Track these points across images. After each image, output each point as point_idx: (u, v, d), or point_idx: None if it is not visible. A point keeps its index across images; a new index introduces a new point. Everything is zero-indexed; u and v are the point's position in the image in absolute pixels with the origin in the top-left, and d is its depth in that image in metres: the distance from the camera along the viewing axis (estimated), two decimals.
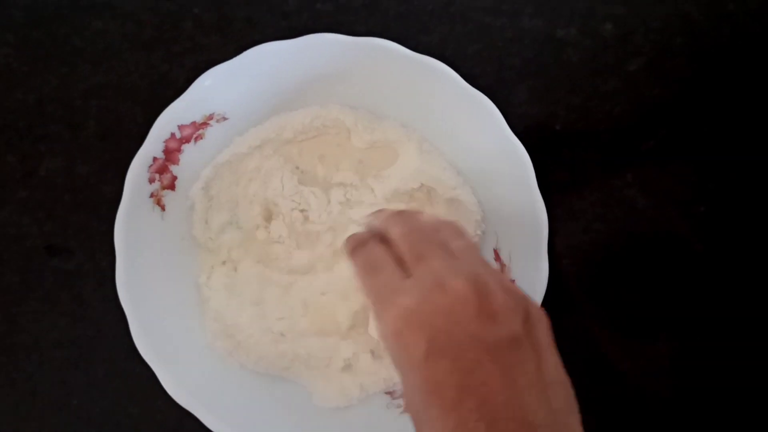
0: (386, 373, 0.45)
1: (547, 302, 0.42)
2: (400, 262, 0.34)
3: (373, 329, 0.40)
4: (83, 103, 0.50)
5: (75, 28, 0.51)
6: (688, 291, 0.50)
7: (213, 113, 0.44)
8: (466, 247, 0.34)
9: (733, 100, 0.50)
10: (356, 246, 0.36)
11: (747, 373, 0.49)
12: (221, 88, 0.43)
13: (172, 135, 0.43)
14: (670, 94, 0.50)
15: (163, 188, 0.44)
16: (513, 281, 0.44)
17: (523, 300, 0.32)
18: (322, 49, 0.43)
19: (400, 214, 0.37)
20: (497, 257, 0.45)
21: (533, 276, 0.42)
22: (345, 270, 0.46)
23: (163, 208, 0.45)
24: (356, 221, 0.43)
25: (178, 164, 0.44)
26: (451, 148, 0.47)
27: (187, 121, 0.43)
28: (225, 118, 0.45)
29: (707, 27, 0.50)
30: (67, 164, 0.50)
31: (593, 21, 0.50)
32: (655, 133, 0.50)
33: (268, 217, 0.47)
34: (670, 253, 0.49)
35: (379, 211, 0.38)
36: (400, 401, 0.45)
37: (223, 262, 0.47)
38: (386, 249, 0.35)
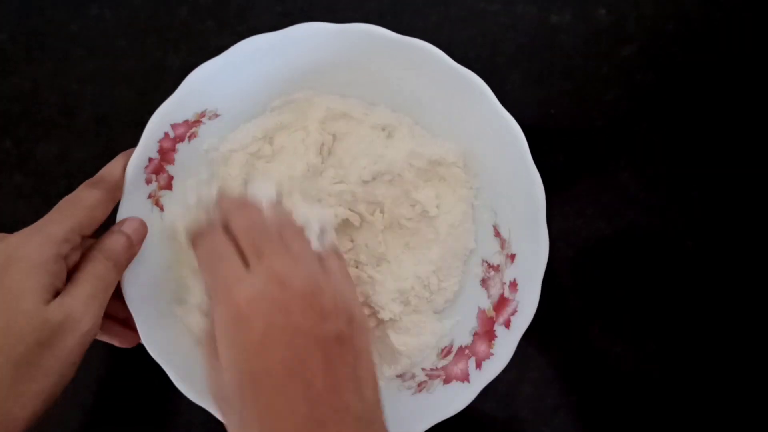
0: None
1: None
2: (241, 253, 0.36)
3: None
4: (78, 89, 0.50)
5: (70, 14, 0.51)
6: (679, 281, 0.50)
7: (205, 110, 0.44)
8: (304, 249, 0.38)
9: (726, 85, 0.50)
10: (198, 235, 0.39)
11: (740, 371, 0.49)
12: (211, 85, 0.43)
13: (166, 135, 0.43)
14: (663, 79, 0.50)
15: (161, 188, 0.44)
16: (513, 256, 0.44)
17: (350, 305, 0.36)
18: (309, 39, 0.43)
19: (242, 207, 0.39)
20: (497, 233, 0.45)
21: (534, 248, 0.42)
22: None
23: (161, 209, 0.45)
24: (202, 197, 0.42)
25: (173, 164, 0.45)
26: (443, 128, 0.46)
27: (179, 119, 0.43)
28: (217, 115, 0.45)
29: (700, 13, 0.50)
30: (63, 150, 0.50)
31: (587, 7, 0.50)
32: (647, 118, 0.50)
33: None
34: (662, 242, 0.50)
35: (220, 196, 0.40)
36: (410, 383, 0.45)
37: None
38: (228, 239, 0.37)
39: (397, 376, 0.46)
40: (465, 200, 0.46)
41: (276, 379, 0.32)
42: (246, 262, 0.36)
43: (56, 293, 0.37)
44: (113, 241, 0.41)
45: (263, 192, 0.40)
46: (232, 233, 0.38)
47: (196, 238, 0.39)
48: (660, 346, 0.50)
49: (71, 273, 0.38)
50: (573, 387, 0.50)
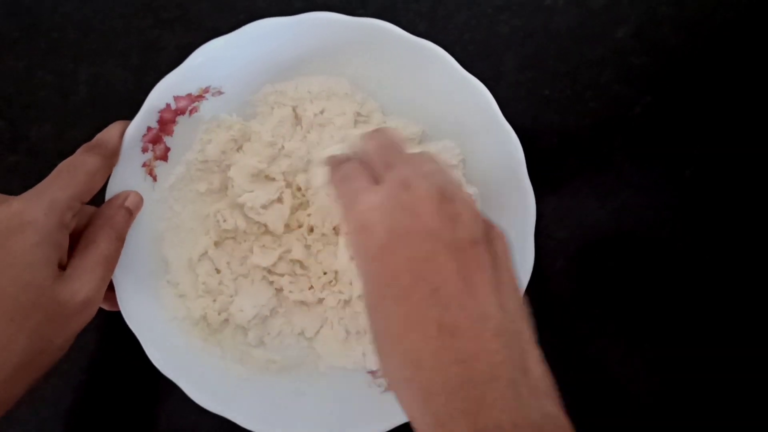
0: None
1: (532, 281, 0.43)
2: (374, 178, 0.34)
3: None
4: (73, 69, 0.50)
5: None
6: (672, 262, 0.50)
7: (209, 86, 0.44)
8: (437, 169, 0.34)
9: (719, 66, 0.50)
10: (335, 164, 0.37)
11: (735, 371, 0.49)
12: (218, 62, 0.43)
13: (168, 106, 0.43)
14: (656, 61, 0.50)
15: (156, 159, 0.44)
16: None
17: (485, 220, 0.32)
18: (319, 27, 0.43)
19: (378, 130, 0.38)
20: None
21: (521, 261, 0.43)
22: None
23: (154, 179, 0.45)
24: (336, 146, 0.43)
25: (171, 136, 0.44)
26: (442, 130, 0.47)
27: (182, 92, 0.43)
28: (221, 92, 0.45)
29: None
30: (57, 130, 0.50)
31: None
32: (641, 100, 0.50)
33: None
34: (655, 222, 0.50)
35: (365, 133, 0.39)
36: (381, 380, 0.45)
37: (215, 243, 0.47)
38: (363, 165, 0.36)
39: (369, 372, 0.45)
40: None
41: (400, 284, 0.30)
42: (376, 182, 0.34)
43: (60, 264, 0.37)
44: (120, 217, 0.41)
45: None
46: (366, 157, 0.36)
47: (332, 168, 0.37)
48: (652, 330, 0.50)
49: (72, 242, 0.38)
50: (565, 372, 0.50)
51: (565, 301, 0.50)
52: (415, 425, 0.29)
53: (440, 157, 0.38)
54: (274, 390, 0.45)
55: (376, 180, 0.34)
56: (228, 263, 0.46)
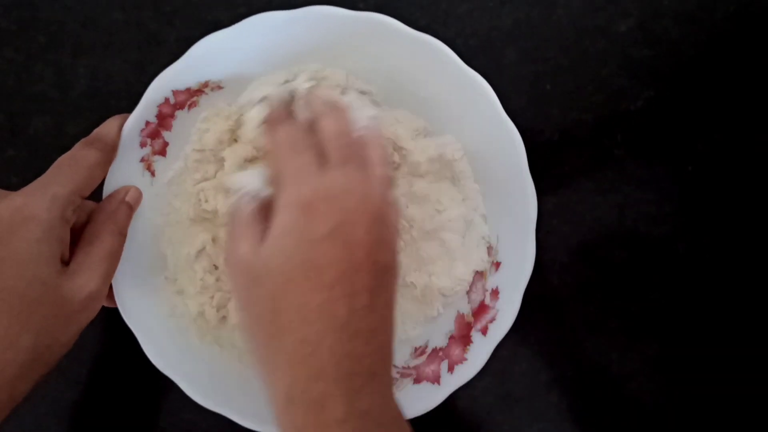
0: None
1: (533, 276, 0.43)
2: (321, 155, 0.35)
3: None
4: (72, 63, 0.50)
5: None
6: (674, 256, 0.50)
7: (208, 81, 0.44)
8: (384, 177, 0.37)
9: (722, 60, 0.50)
10: (281, 121, 0.38)
11: (733, 374, 0.49)
12: (217, 57, 0.43)
13: (166, 100, 0.43)
14: (659, 55, 0.50)
15: (154, 153, 0.44)
16: (498, 264, 0.45)
17: (397, 251, 0.36)
18: (319, 22, 0.43)
19: (336, 110, 0.38)
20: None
21: (520, 259, 0.43)
22: None
23: (153, 174, 0.44)
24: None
25: (170, 130, 0.44)
26: (443, 124, 0.47)
27: (181, 86, 0.43)
28: (220, 87, 0.45)
29: None
30: (56, 123, 0.50)
31: None
32: (643, 94, 0.50)
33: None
34: (657, 217, 0.50)
35: (311, 94, 0.40)
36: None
37: (213, 239, 0.47)
38: (312, 137, 0.36)
39: None
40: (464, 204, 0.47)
41: (323, 276, 0.32)
42: (323, 164, 0.35)
43: (62, 260, 0.37)
44: (122, 213, 0.41)
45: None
46: (318, 132, 0.37)
47: (273, 124, 0.38)
48: (653, 326, 0.50)
49: (72, 237, 0.38)
50: (567, 363, 0.50)
51: (565, 296, 0.50)
52: (289, 401, 0.32)
53: (386, 153, 0.39)
54: None
55: (323, 157, 0.35)
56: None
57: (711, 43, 0.50)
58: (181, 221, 0.46)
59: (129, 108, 0.42)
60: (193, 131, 0.45)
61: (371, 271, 0.33)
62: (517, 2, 0.50)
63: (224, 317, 0.46)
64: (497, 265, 0.45)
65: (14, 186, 0.49)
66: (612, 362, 0.50)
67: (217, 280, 0.46)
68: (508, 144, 0.43)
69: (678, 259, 0.50)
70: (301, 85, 0.42)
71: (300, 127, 0.37)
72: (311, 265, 0.32)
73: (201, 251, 0.46)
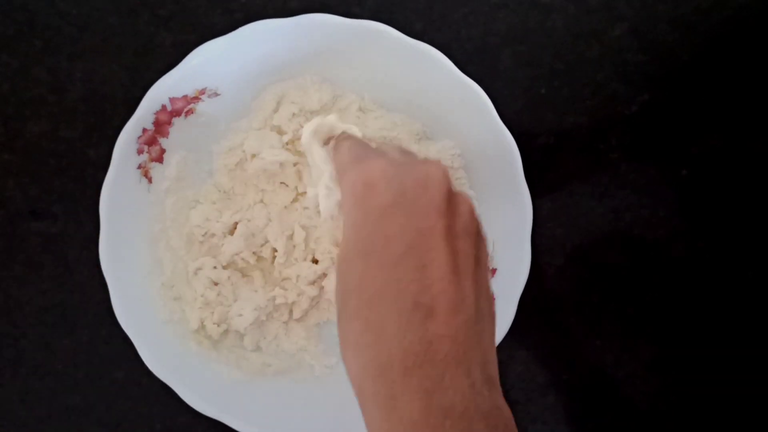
0: None
1: (529, 280, 0.43)
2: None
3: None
4: (68, 67, 0.50)
5: None
6: (668, 259, 0.50)
7: (205, 88, 0.44)
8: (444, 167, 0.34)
9: (716, 65, 0.50)
10: (347, 137, 0.37)
11: (729, 376, 0.50)
12: (214, 64, 0.43)
13: (163, 107, 0.43)
14: (654, 59, 0.50)
15: (151, 160, 0.44)
16: (494, 270, 0.45)
17: (479, 222, 0.32)
18: (316, 29, 0.43)
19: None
20: None
21: (516, 266, 0.43)
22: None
23: (150, 181, 0.45)
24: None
25: (167, 137, 0.44)
26: (439, 130, 0.47)
27: (178, 94, 0.43)
28: (217, 94, 0.45)
29: None
30: (52, 128, 0.49)
31: None
32: (638, 98, 0.50)
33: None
34: (652, 221, 0.50)
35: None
36: None
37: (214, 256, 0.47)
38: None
39: None
40: None
41: (390, 250, 0.29)
42: None
43: None
44: None
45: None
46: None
47: (342, 139, 0.37)
48: (648, 329, 0.50)
49: None
50: (563, 366, 0.50)
51: (561, 299, 0.50)
52: (361, 395, 0.29)
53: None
54: (269, 393, 0.45)
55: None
56: (229, 277, 0.46)
57: (705, 47, 0.50)
58: (179, 229, 0.46)
59: (125, 113, 0.42)
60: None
61: (446, 236, 0.29)
62: (512, 7, 0.50)
63: (226, 331, 0.46)
64: (493, 271, 0.45)
65: (10, 190, 0.49)
66: (608, 365, 0.50)
67: (218, 294, 0.46)
68: (503, 149, 0.43)
69: (673, 263, 0.50)
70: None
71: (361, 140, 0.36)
72: (376, 239, 0.29)
73: (199, 269, 0.46)
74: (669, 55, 0.50)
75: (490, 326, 0.31)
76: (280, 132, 0.47)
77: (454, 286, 0.29)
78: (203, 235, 0.46)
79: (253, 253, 0.46)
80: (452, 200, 0.31)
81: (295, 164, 0.46)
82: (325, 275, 0.46)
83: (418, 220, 0.29)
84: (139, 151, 0.43)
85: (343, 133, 0.38)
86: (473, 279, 0.30)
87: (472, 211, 0.31)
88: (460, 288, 0.29)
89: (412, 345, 0.27)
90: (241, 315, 0.45)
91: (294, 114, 0.46)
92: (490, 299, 0.32)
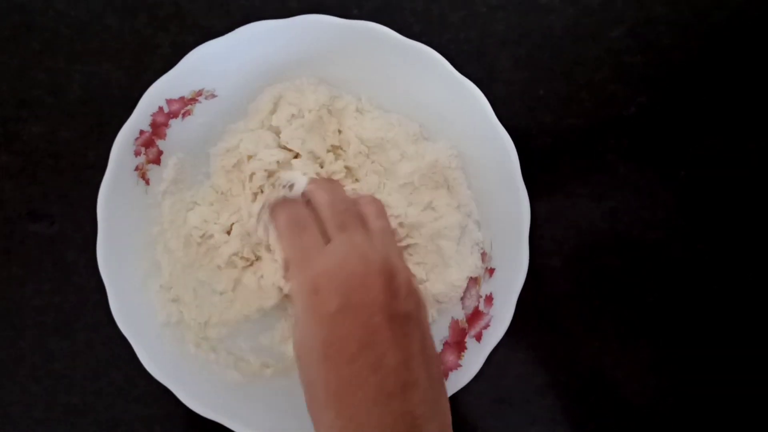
0: None
1: (527, 282, 0.43)
2: (320, 226, 0.38)
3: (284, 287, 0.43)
4: (66, 68, 0.50)
5: None
6: (666, 260, 0.50)
7: (202, 89, 0.44)
8: (383, 228, 0.39)
9: (714, 66, 0.50)
10: (280, 204, 0.41)
11: (727, 377, 0.50)
12: (211, 65, 0.43)
13: (160, 109, 0.43)
14: (651, 61, 0.50)
15: (149, 162, 0.44)
16: (492, 270, 0.45)
17: (417, 290, 0.37)
18: (314, 30, 0.43)
19: (328, 182, 0.41)
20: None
21: (514, 265, 0.43)
22: None
23: (147, 183, 0.44)
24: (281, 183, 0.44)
25: (164, 139, 0.44)
26: (437, 131, 0.47)
27: (175, 95, 0.43)
28: (214, 96, 0.45)
29: None
30: (50, 129, 0.49)
31: None
32: (636, 99, 0.50)
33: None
34: (650, 222, 0.50)
35: (309, 178, 0.42)
36: None
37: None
38: (311, 212, 0.39)
39: None
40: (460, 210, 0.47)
41: (346, 350, 0.33)
42: (325, 235, 0.37)
43: None
44: None
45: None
46: (314, 207, 0.39)
47: (275, 209, 0.41)
48: (646, 331, 0.50)
49: None
50: (562, 367, 0.50)
51: (559, 301, 0.50)
52: None
53: (382, 207, 0.42)
54: (268, 395, 0.44)
55: (325, 235, 0.38)
56: (227, 278, 0.46)
57: (703, 49, 0.50)
58: (177, 230, 0.46)
59: (122, 114, 0.42)
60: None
61: (391, 327, 0.34)
62: (510, 9, 0.50)
63: (224, 332, 0.46)
64: (491, 271, 0.45)
65: (8, 192, 0.49)
66: (606, 366, 0.50)
67: (221, 293, 0.46)
68: (501, 150, 0.43)
69: (671, 264, 0.50)
70: (299, 179, 0.43)
71: (300, 205, 0.40)
72: (331, 341, 0.34)
73: (201, 282, 0.46)
74: (667, 56, 0.50)
75: (443, 390, 0.37)
76: (278, 133, 0.47)
77: (407, 370, 0.33)
78: (201, 237, 0.46)
79: (252, 252, 0.46)
80: (392, 287, 0.35)
81: (294, 158, 0.46)
82: None
83: (365, 318, 0.34)
84: (137, 153, 0.43)
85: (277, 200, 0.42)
86: (421, 355, 0.35)
87: (411, 289, 0.36)
88: (411, 370, 0.34)
89: (380, 419, 0.32)
90: (240, 315, 0.46)
91: (293, 115, 0.46)
92: (439, 366, 0.37)
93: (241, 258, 0.46)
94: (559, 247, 0.50)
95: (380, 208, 0.41)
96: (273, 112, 0.46)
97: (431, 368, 0.35)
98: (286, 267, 0.40)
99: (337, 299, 0.34)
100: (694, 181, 0.50)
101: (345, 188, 0.44)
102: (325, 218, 0.38)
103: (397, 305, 0.35)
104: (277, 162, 0.45)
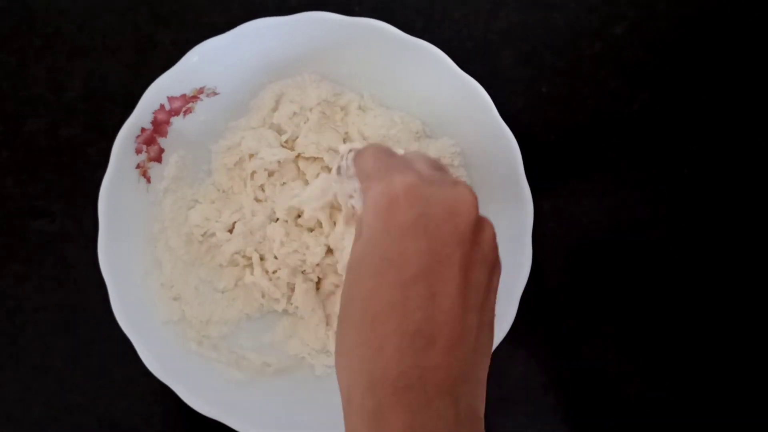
0: None
1: (530, 279, 0.43)
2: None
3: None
4: (67, 65, 0.49)
5: None
6: (669, 257, 0.50)
7: (204, 87, 0.44)
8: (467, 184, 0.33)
9: (717, 63, 0.50)
10: (367, 147, 0.35)
11: (730, 377, 0.50)
12: (213, 63, 0.43)
13: (162, 106, 0.43)
14: (654, 57, 0.50)
15: (150, 160, 0.44)
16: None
17: (498, 255, 0.32)
18: (315, 27, 0.43)
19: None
20: None
21: (517, 265, 0.43)
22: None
23: (148, 180, 0.44)
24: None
25: (166, 137, 0.44)
26: (440, 128, 0.47)
27: (176, 93, 0.43)
28: (215, 93, 0.45)
29: None
30: (51, 126, 0.49)
31: None
32: (639, 96, 0.50)
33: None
34: (653, 219, 0.50)
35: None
36: None
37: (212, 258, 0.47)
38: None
39: None
40: None
41: (404, 271, 0.29)
42: None
43: None
44: None
45: None
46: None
47: (362, 150, 0.35)
48: (648, 329, 0.50)
49: None
50: (564, 366, 0.50)
51: (562, 298, 0.50)
52: (348, 404, 0.30)
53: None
54: (269, 394, 0.44)
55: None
56: (229, 276, 0.47)
57: (706, 46, 0.50)
58: (178, 228, 0.46)
59: (123, 111, 0.42)
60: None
61: (462, 266, 0.29)
62: (512, 5, 0.50)
63: (226, 330, 0.46)
64: None
65: (8, 188, 0.49)
66: (609, 364, 0.50)
67: (222, 292, 0.46)
68: (504, 148, 0.43)
69: (674, 262, 0.50)
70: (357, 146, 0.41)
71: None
72: (391, 257, 0.29)
73: (203, 281, 0.46)
74: (670, 53, 0.50)
75: (485, 360, 0.31)
76: (280, 131, 0.47)
77: (459, 320, 0.29)
78: (202, 235, 0.46)
79: (255, 251, 0.46)
80: (476, 228, 0.30)
81: (296, 157, 0.46)
82: (320, 279, 0.47)
83: (438, 246, 0.29)
84: (138, 151, 0.43)
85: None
86: (479, 313, 0.30)
87: (493, 240, 0.31)
88: (464, 323, 0.29)
89: (407, 368, 0.28)
90: (242, 313, 0.46)
91: (294, 113, 0.46)
92: (492, 333, 0.32)
93: (243, 257, 0.46)
94: (561, 244, 0.50)
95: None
96: (275, 109, 0.46)
97: (482, 334, 0.30)
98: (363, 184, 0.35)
99: (416, 213, 0.29)
100: (697, 179, 0.50)
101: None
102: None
103: (477, 251, 0.30)
104: (278, 162, 0.45)
